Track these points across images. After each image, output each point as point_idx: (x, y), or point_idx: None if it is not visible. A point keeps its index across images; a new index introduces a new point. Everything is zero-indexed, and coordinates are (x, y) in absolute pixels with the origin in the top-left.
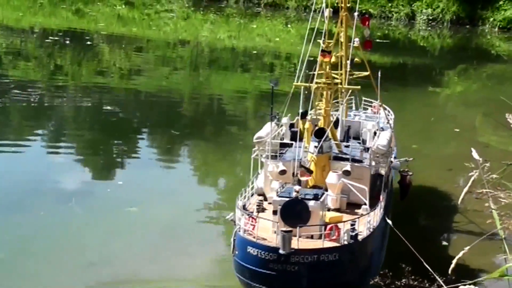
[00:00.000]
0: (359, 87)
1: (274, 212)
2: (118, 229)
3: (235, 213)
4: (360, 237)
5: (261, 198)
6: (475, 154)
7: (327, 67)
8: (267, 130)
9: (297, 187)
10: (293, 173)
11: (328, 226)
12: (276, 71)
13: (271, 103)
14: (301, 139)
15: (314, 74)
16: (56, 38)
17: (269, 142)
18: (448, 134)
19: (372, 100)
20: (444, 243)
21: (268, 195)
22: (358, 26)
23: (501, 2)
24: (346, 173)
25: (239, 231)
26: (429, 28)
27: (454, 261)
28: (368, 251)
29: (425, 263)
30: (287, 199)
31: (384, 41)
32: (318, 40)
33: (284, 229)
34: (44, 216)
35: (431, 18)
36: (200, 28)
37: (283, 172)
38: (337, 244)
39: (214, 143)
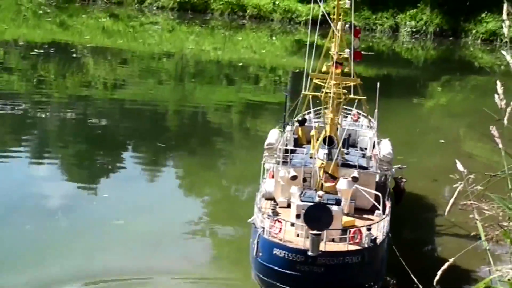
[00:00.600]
0: (364, 97)
1: (297, 216)
2: (104, 243)
3: (255, 216)
4: (378, 241)
5: (273, 202)
6: (459, 166)
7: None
8: (276, 137)
9: (320, 192)
10: (304, 179)
11: (352, 230)
12: (261, 83)
13: (283, 111)
14: (299, 146)
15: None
16: (41, 51)
17: (280, 148)
18: (433, 145)
19: (351, 108)
20: (429, 254)
21: (279, 199)
22: (347, 37)
23: (483, 15)
24: (354, 180)
25: (263, 233)
26: (413, 40)
27: (439, 272)
28: (382, 254)
29: (412, 275)
30: (311, 203)
31: (369, 53)
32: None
33: (313, 232)
34: (30, 229)
35: (414, 30)
36: (185, 40)
37: (294, 178)
38: (359, 247)
39: (199, 155)
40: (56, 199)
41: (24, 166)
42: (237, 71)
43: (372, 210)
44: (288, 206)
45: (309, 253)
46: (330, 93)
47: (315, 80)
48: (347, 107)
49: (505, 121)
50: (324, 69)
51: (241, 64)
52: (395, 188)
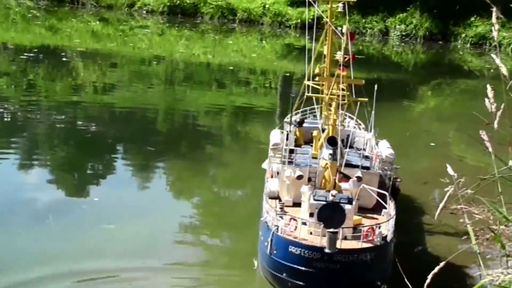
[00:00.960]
0: (366, 99)
1: (311, 215)
2: (96, 247)
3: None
4: (388, 238)
5: (279, 201)
6: (450, 170)
7: (343, 79)
8: (279, 138)
9: (333, 192)
10: (309, 178)
11: (366, 228)
12: (252, 87)
13: (290, 111)
14: (297, 146)
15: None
16: (30, 55)
17: (285, 148)
18: (424, 149)
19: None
20: (420, 257)
21: (285, 198)
22: (339, 41)
23: (472, 19)
24: (358, 179)
25: (277, 231)
26: (403, 44)
27: (429, 276)
28: (391, 251)
29: (406, 280)
30: (325, 202)
31: (359, 56)
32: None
33: (330, 230)
34: (21, 233)
35: (404, 34)
36: (175, 44)
37: (300, 177)
38: (372, 245)
39: (189, 159)
40: (46, 203)
41: (14, 171)
42: (227, 75)
43: (373, 209)
44: (294, 205)
45: (326, 250)
46: (334, 94)
47: (306, 82)
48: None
49: (496, 125)
50: (317, 70)
51: (231, 68)
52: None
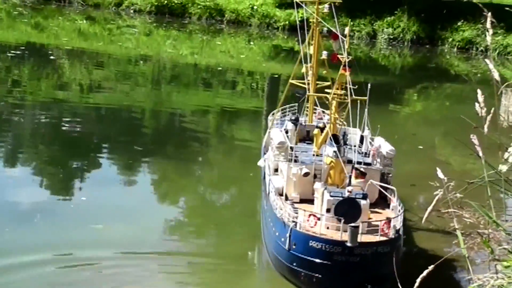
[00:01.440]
0: (366, 98)
1: (328, 210)
2: (85, 247)
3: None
4: (400, 232)
5: (285, 198)
6: (440, 173)
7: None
8: (283, 136)
9: (349, 188)
10: (315, 175)
11: (383, 222)
12: (239, 88)
13: (297, 111)
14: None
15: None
16: (17, 52)
17: (291, 147)
18: (411, 152)
19: (315, 107)
20: (409, 260)
21: (291, 195)
22: (325, 42)
23: (459, 23)
24: (363, 174)
25: (295, 227)
26: (390, 47)
27: (418, 280)
28: (401, 243)
29: (399, 284)
30: (341, 198)
31: (351, 57)
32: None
33: (352, 224)
34: (9, 232)
35: (392, 37)
36: (163, 44)
37: (306, 174)
38: (387, 238)
39: (176, 159)
40: (33, 202)
41: None
42: (214, 76)
43: (376, 203)
44: (301, 201)
45: (348, 244)
46: (337, 94)
47: (292, 81)
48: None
49: (486, 129)
50: (303, 70)
51: (220, 68)
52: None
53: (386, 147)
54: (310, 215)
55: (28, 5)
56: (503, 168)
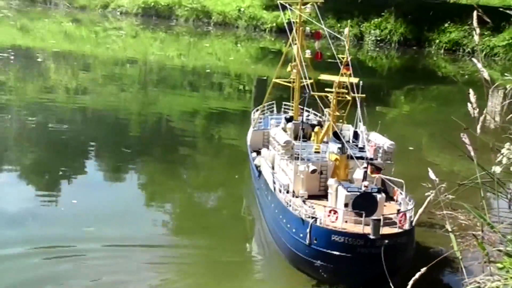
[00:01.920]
0: (364, 95)
1: (345, 205)
2: (77, 250)
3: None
4: (413, 223)
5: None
6: (431, 174)
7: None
8: (285, 135)
9: (365, 183)
10: (321, 171)
11: (400, 214)
12: (226, 90)
13: (302, 110)
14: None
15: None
16: (4, 54)
17: (297, 145)
18: (400, 153)
19: (292, 104)
20: None
21: (300, 192)
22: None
23: (446, 25)
24: (378, 169)
25: (315, 223)
26: (377, 49)
27: (411, 283)
28: (415, 235)
29: (392, 285)
30: (358, 193)
31: (334, 60)
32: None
33: (374, 218)
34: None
35: (379, 39)
36: (149, 46)
37: (314, 171)
38: (403, 229)
39: (164, 161)
40: (24, 205)
41: None
42: (201, 78)
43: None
44: (309, 197)
45: (371, 236)
46: (339, 93)
47: (275, 80)
48: (289, 103)
49: (478, 130)
50: (288, 69)
51: (208, 71)
52: None
53: (386, 142)
54: (330, 210)
55: (13, 8)
56: (497, 169)
